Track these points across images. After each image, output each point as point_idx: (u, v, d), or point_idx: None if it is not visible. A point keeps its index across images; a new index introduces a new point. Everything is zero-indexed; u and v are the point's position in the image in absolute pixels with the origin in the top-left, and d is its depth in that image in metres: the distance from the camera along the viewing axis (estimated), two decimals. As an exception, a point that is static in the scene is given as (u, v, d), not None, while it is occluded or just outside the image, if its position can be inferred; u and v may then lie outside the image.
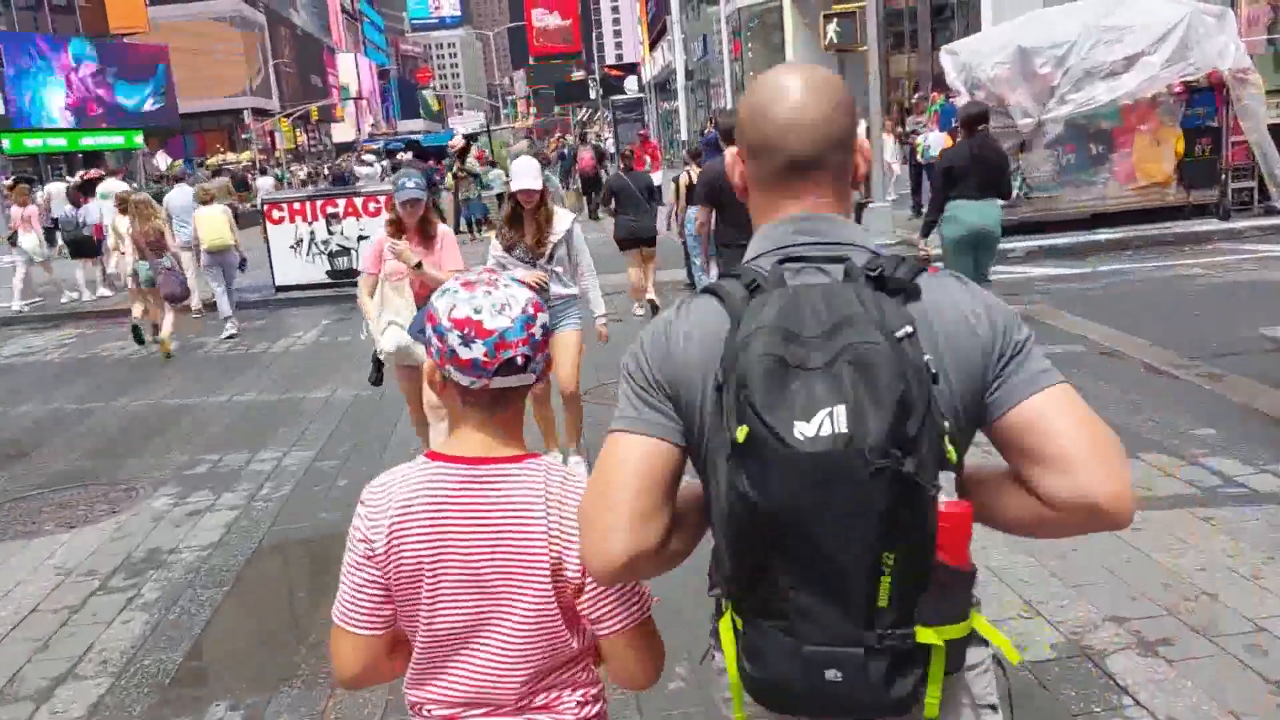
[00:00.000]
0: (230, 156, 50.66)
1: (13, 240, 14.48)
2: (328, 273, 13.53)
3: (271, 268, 13.64)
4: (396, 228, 5.23)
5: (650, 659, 1.62)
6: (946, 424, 1.26)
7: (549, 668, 1.59)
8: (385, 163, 28.50)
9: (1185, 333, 7.60)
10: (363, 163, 31.62)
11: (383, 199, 13.35)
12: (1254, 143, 11.75)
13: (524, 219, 5.36)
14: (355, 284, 6.38)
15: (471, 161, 17.70)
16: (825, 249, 1.39)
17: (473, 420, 1.58)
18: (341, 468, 6.33)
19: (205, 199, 11.44)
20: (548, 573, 1.52)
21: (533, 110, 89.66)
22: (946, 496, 1.24)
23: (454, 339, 1.50)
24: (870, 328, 1.22)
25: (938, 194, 7.34)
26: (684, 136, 36.93)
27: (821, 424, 1.18)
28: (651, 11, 54.27)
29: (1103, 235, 12.19)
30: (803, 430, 1.18)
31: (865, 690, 1.25)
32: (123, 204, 11.39)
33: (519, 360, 1.52)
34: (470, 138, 19.91)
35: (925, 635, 1.26)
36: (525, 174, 5.34)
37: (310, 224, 13.41)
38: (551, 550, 1.52)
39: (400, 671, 1.66)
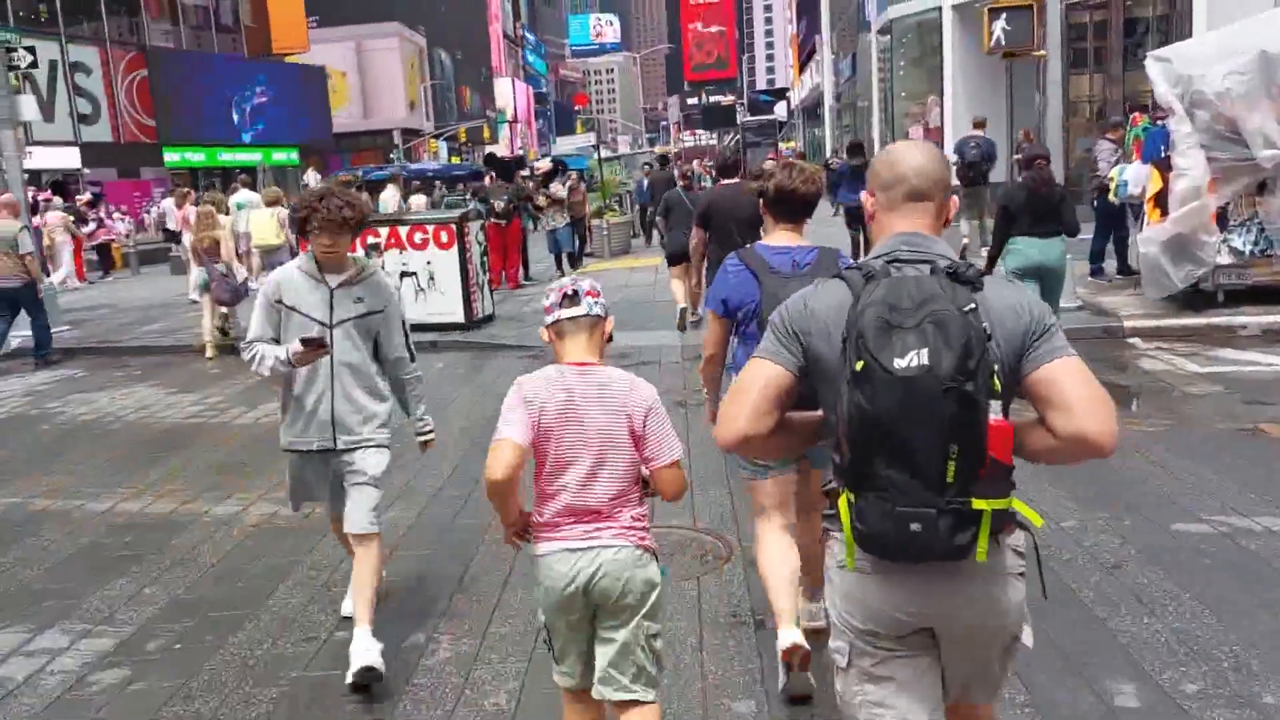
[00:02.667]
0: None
1: (177, 239, 16.72)
2: (368, 314, 11.25)
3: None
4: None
5: (679, 484, 2.67)
6: (995, 367, 1.88)
7: (620, 489, 2.62)
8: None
9: None
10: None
11: (431, 228, 10.98)
12: None
13: None
14: None
15: (556, 188, 15.27)
16: (919, 255, 2.03)
17: (570, 347, 2.67)
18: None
19: (270, 200, 12.50)
20: (626, 424, 2.60)
21: (683, 135, 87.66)
22: (994, 415, 1.87)
23: (545, 303, 2.71)
24: (946, 302, 1.87)
25: (997, 234, 7.89)
26: (829, 160, 33.72)
27: (911, 359, 1.82)
28: (803, 34, 51.22)
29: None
30: (898, 363, 1.83)
31: (936, 539, 1.87)
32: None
33: (569, 293, 2.65)
34: (559, 161, 17.28)
35: (978, 504, 1.88)
36: None
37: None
38: (626, 409, 2.61)
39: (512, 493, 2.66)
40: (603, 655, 2.61)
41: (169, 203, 20.88)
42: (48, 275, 11.94)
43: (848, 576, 2.06)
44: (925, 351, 1.81)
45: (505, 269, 14.62)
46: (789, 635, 3.29)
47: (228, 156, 45.65)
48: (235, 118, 47.44)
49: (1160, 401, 7.00)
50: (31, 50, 19.18)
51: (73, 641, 4.19)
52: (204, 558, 5.07)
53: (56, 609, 4.52)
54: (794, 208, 3.56)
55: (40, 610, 4.52)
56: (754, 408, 2.05)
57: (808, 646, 3.29)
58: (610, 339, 2.73)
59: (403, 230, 11.06)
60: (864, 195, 2.19)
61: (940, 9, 20.37)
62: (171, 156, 44.67)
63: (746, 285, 3.44)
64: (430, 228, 10.99)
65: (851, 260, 3.25)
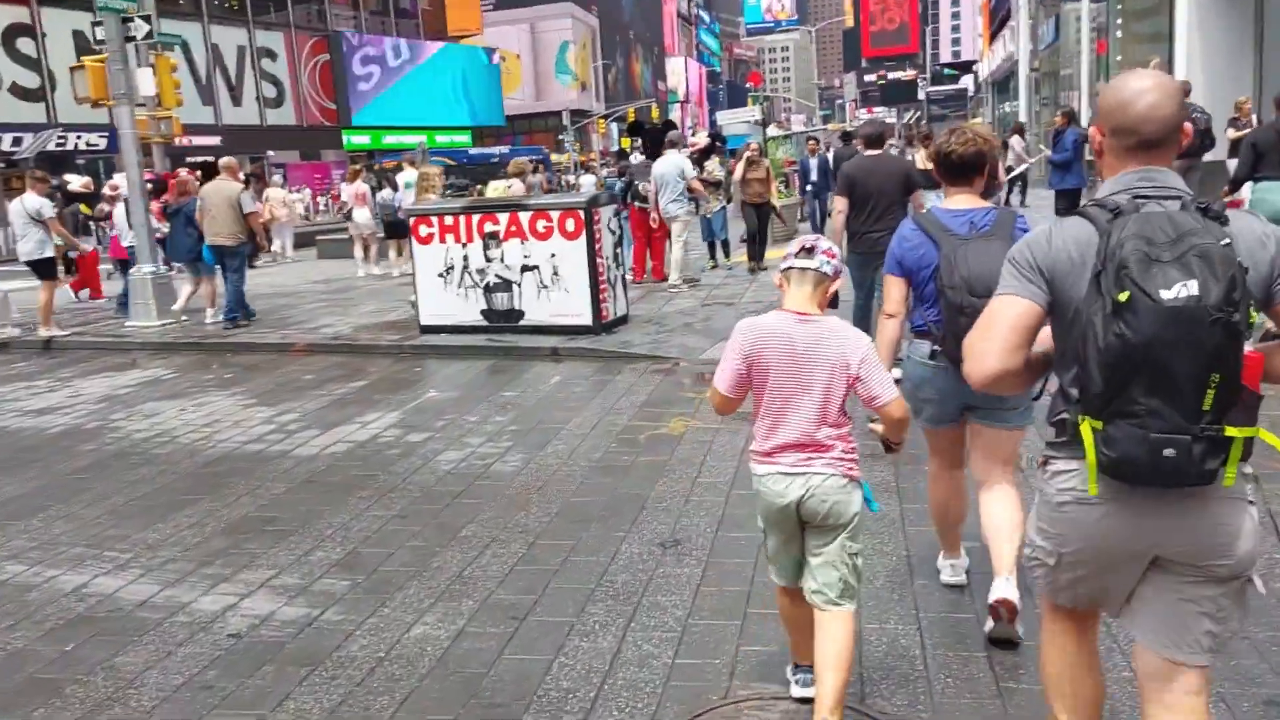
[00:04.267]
0: (553, 157, 49.65)
1: (348, 215, 17.13)
2: (484, 312, 9.64)
3: (416, 302, 9.98)
4: None
5: (902, 412, 2.81)
6: (1252, 299, 1.90)
7: (830, 425, 2.78)
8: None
9: None
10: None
11: (556, 215, 9.24)
12: None
13: None
14: (519, 329, 9.17)
15: (714, 166, 13.21)
16: (1162, 190, 2.00)
17: (794, 295, 2.83)
18: None
19: (515, 171, 12.76)
20: (843, 369, 2.74)
21: (859, 113, 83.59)
22: (1249, 346, 1.91)
23: (789, 249, 2.88)
24: (1207, 235, 1.86)
25: (1241, 169, 7.55)
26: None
27: (1178, 291, 1.81)
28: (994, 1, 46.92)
29: None
30: (1165, 294, 1.82)
31: (1189, 464, 1.87)
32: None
33: (807, 246, 2.84)
34: (716, 137, 15.07)
35: (1231, 431, 1.87)
36: None
37: (464, 246, 9.59)
38: (844, 357, 2.74)
39: (732, 410, 2.95)
40: (815, 568, 2.86)
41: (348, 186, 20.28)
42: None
43: (1076, 508, 2.07)
44: (1194, 283, 1.82)
45: (652, 259, 12.80)
46: (1001, 587, 3.34)
47: (400, 139, 45.76)
48: (408, 100, 47.70)
49: None
50: (156, 34, 18.78)
51: None
52: (139, 699, 3.45)
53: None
54: (958, 169, 3.55)
55: None
56: (1005, 342, 2.08)
57: (1017, 602, 3.32)
58: (836, 297, 2.92)
59: (524, 217, 9.36)
60: (1093, 130, 2.18)
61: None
62: (361, 138, 45.33)
63: (923, 248, 3.50)
64: (555, 214, 9.25)
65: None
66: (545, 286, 9.38)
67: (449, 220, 9.64)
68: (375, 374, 8.76)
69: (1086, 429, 1.94)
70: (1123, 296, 1.84)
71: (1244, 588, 2.04)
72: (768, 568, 3.06)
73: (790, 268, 2.83)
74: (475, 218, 9.54)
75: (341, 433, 6.80)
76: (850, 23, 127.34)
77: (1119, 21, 20.53)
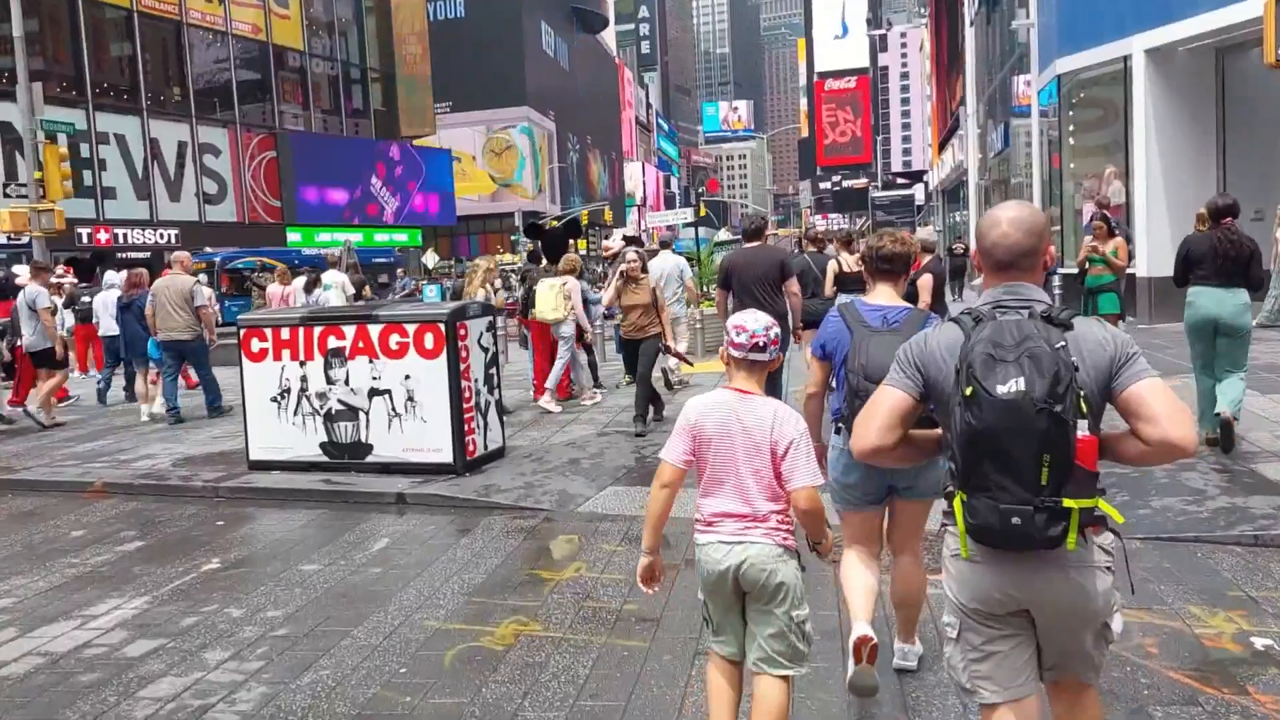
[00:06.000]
0: (506, 258, 48.33)
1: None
2: (324, 446, 7.77)
3: (246, 432, 8.08)
4: None
5: (811, 503, 2.90)
6: (1082, 392, 2.19)
7: (767, 497, 2.91)
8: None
9: None
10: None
11: (412, 329, 7.46)
12: None
13: None
14: (366, 467, 7.58)
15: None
16: (1022, 302, 2.34)
17: (740, 375, 3.00)
18: None
19: (567, 269, 10.84)
20: (769, 445, 2.90)
21: (813, 219, 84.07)
22: (1082, 431, 2.17)
23: (733, 334, 3.01)
24: (1040, 340, 2.19)
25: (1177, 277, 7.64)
26: (952, 246, 28.73)
27: (1010, 386, 2.14)
28: (943, 105, 47.02)
29: None
30: (1001, 389, 2.15)
31: (1034, 530, 2.17)
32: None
33: (760, 344, 2.99)
34: (631, 239, 13.35)
35: (1068, 502, 2.17)
36: None
37: (303, 364, 7.76)
38: (772, 436, 2.90)
39: (677, 486, 3.04)
40: (764, 639, 2.94)
41: (273, 287, 18.50)
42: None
43: (960, 563, 2.38)
44: (1022, 379, 2.14)
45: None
46: (860, 628, 3.55)
47: (356, 237, 44.16)
48: (359, 199, 46.43)
49: None
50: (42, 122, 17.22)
51: None
52: None
53: None
54: (888, 266, 3.85)
55: None
56: (882, 424, 2.42)
57: (875, 639, 3.53)
58: (780, 368, 3.69)
59: (374, 330, 7.57)
60: (973, 252, 2.64)
61: (1127, 58, 16.10)
62: (294, 236, 43.71)
63: (841, 335, 3.76)
64: (411, 328, 7.47)
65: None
66: (398, 414, 7.54)
67: (285, 333, 7.82)
68: (163, 530, 6.78)
69: (958, 501, 2.29)
70: (969, 391, 2.19)
71: (1105, 632, 2.42)
72: (709, 641, 3.10)
73: (745, 358, 3.01)
74: (317, 330, 7.72)
75: (44, 636, 4.82)
76: (805, 133, 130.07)
77: (1071, 129, 19.58)
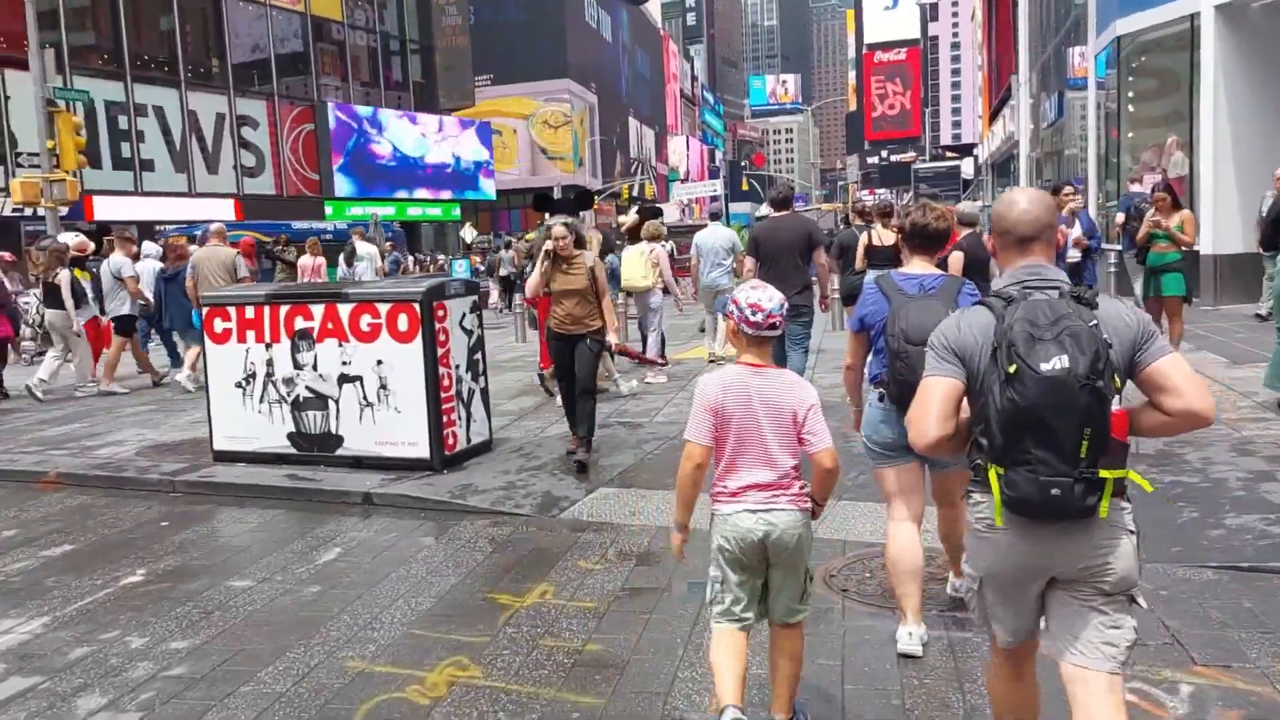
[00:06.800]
0: (528, 235, 47.63)
1: None
2: (291, 436, 7.03)
3: (210, 420, 7.36)
4: None
5: (831, 463, 3.03)
6: (1116, 369, 2.28)
7: (789, 465, 3.01)
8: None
9: None
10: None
11: (385, 309, 6.67)
12: None
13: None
14: (335, 461, 6.85)
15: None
16: (1045, 282, 2.42)
17: (752, 350, 3.07)
18: None
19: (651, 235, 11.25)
20: (791, 415, 2.99)
21: (860, 194, 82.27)
22: (1115, 406, 2.26)
23: (748, 314, 3.02)
24: (1078, 318, 2.26)
25: (1264, 239, 8.40)
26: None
27: (1054, 363, 2.20)
28: (994, 75, 45.14)
29: None
30: (1044, 366, 2.21)
31: (1072, 500, 2.25)
32: None
33: (774, 323, 3.03)
34: (647, 210, 12.41)
35: (1104, 473, 2.26)
36: None
37: (269, 347, 7.02)
38: (793, 403, 3.00)
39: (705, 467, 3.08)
40: (785, 596, 3.09)
41: (304, 259, 18.16)
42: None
43: (988, 535, 2.45)
44: (1065, 357, 2.20)
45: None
46: (906, 642, 3.73)
47: (389, 210, 43.62)
48: (396, 172, 45.92)
49: None
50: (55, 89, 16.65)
51: None
52: None
53: None
54: (926, 241, 3.93)
55: None
56: (939, 413, 2.44)
57: (920, 654, 3.71)
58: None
59: (343, 310, 6.79)
60: (987, 238, 2.73)
61: (1194, 16, 14.75)
62: (328, 210, 43.30)
63: (880, 305, 3.84)
64: (384, 308, 6.68)
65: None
66: (369, 404, 6.78)
67: (249, 312, 7.07)
68: (100, 532, 6.08)
69: (993, 474, 2.34)
70: (1012, 368, 2.25)
71: (1128, 603, 2.44)
72: (717, 619, 3.10)
73: (757, 334, 3.06)
74: (283, 310, 6.96)
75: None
76: (853, 106, 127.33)
77: (1131, 95, 18.20)
